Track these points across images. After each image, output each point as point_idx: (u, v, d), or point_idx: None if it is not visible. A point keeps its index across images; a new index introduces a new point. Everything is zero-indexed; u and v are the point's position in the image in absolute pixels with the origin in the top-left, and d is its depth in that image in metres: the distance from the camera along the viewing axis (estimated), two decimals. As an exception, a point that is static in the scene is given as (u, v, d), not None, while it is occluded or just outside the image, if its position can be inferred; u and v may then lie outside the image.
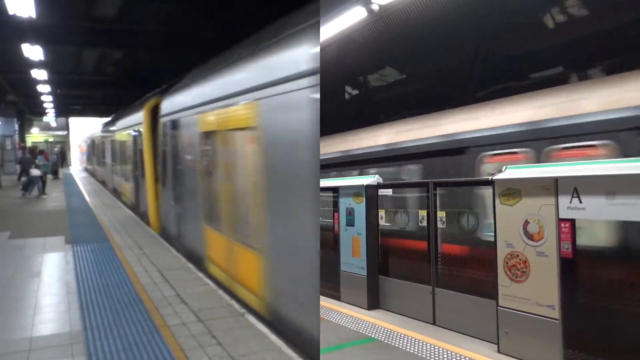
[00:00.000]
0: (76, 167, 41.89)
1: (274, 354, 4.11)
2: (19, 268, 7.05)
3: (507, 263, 4.61)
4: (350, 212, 6.75)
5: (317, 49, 3.99)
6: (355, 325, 5.67)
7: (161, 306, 5.35)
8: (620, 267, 4.08)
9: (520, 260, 4.50)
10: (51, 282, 6.33)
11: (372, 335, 5.28)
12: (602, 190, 3.89)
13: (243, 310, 5.18)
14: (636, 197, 3.69)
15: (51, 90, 21.05)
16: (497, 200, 4.70)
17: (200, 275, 6.61)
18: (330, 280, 6.97)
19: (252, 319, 4.96)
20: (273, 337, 4.47)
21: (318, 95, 4.00)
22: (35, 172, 17.17)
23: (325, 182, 7.40)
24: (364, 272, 6.48)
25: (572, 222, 4.12)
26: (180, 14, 10.72)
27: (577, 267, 4.14)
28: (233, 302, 5.47)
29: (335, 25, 7.85)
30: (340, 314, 6.21)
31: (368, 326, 5.63)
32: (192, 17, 10.78)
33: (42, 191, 17.21)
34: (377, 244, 6.59)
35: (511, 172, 4.67)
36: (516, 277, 4.53)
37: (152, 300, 5.56)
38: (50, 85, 19.53)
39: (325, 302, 6.78)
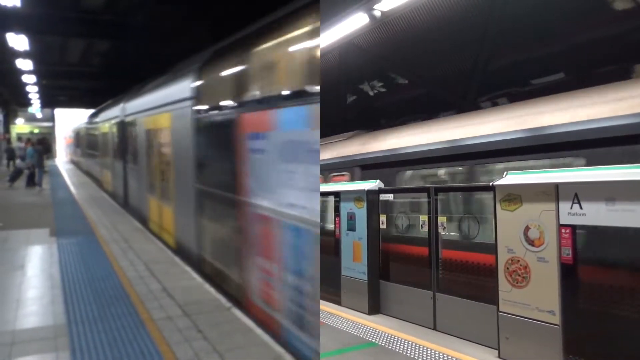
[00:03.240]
0: (62, 159, 41.55)
1: (260, 349, 4.10)
2: (2, 260, 6.96)
3: (507, 268, 4.62)
4: (351, 217, 6.77)
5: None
6: (355, 330, 5.67)
7: (147, 300, 5.31)
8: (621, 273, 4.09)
9: (520, 265, 4.51)
10: (35, 275, 6.26)
11: (373, 340, 5.28)
12: (602, 196, 3.90)
13: (229, 305, 5.17)
14: (635, 204, 3.71)
15: (36, 80, 20.58)
16: (498, 206, 4.72)
17: (187, 269, 6.58)
18: (331, 285, 6.97)
19: (238, 313, 4.94)
20: (259, 332, 4.46)
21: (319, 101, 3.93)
22: (20, 163, 16.88)
23: (326, 187, 7.42)
24: (365, 277, 6.49)
25: (573, 227, 4.14)
26: (170, 6, 10.61)
27: (578, 272, 4.15)
28: (219, 296, 5.45)
29: (337, 31, 7.90)
30: (340, 318, 6.21)
31: (369, 331, 5.64)
32: (182, 10, 10.67)
33: (32, 182, 16.81)
34: (378, 248, 6.60)
35: (512, 178, 4.69)
36: (517, 283, 4.54)
37: (138, 294, 5.52)
38: (36, 75, 19.14)
39: (326, 306, 6.78)
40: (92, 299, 5.32)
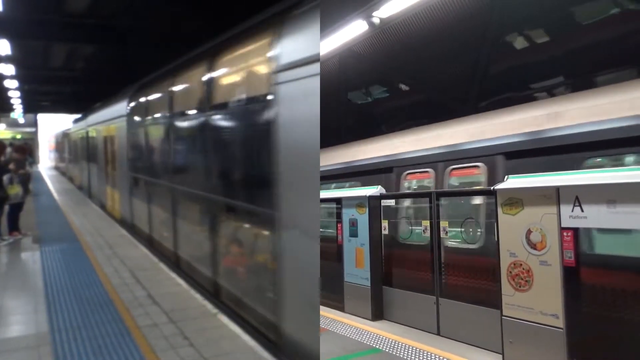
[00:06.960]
0: (45, 165, 41.38)
1: (247, 355, 4.07)
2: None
3: (510, 272, 4.62)
4: (353, 223, 6.77)
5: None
6: (359, 336, 5.66)
7: (132, 307, 5.27)
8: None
9: (523, 269, 4.51)
10: (17, 282, 6.20)
11: (377, 346, 5.27)
12: (603, 199, 3.91)
13: (216, 311, 5.15)
14: (636, 206, 3.71)
15: (18, 85, 20.18)
16: (500, 210, 4.72)
17: (173, 275, 6.57)
18: (334, 291, 6.97)
19: (225, 319, 4.91)
20: (246, 338, 4.44)
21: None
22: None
23: (328, 193, 7.44)
24: (368, 283, 6.48)
25: (575, 230, 4.14)
26: (155, 9, 10.53)
27: (580, 275, 4.15)
28: (206, 302, 5.42)
29: (337, 38, 7.97)
30: (344, 324, 6.20)
31: (372, 337, 5.63)
32: (168, 13, 10.60)
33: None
34: (380, 254, 6.60)
35: (513, 182, 4.70)
36: (520, 287, 4.53)
37: (123, 301, 5.48)
38: (18, 80, 18.79)
39: (329, 313, 6.77)
40: (76, 307, 5.26)
